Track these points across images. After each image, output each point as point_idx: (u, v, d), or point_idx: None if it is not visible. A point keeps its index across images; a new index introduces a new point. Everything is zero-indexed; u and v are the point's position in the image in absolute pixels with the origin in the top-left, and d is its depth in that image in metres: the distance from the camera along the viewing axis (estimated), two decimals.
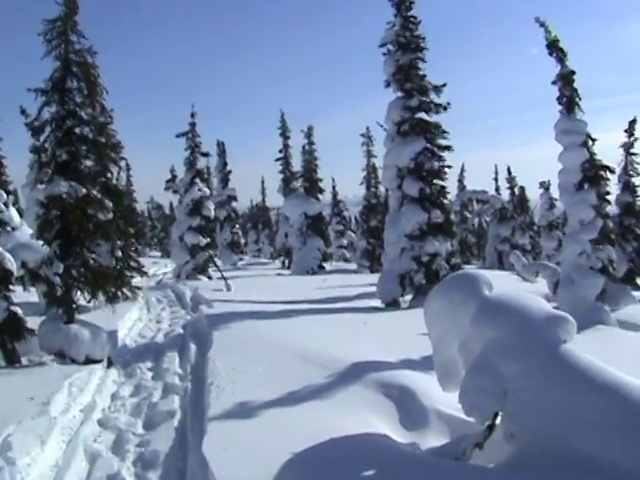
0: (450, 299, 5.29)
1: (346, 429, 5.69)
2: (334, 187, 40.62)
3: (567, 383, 4.83)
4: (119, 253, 13.69)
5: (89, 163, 10.39)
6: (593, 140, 14.13)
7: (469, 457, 4.93)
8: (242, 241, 44.88)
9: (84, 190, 9.58)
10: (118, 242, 12.98)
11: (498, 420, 4.90)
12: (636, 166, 23.76)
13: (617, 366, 5.00)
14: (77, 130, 10.17)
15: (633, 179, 23.81)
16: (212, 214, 26.42)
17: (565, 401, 4.73)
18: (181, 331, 12.39)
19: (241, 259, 42.37)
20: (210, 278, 25.09)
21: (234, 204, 39.52)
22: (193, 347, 10.16)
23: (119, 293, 11.42)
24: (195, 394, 7.81)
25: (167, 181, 27.60)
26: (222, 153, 39.44)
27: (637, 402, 4.58)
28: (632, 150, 23.42)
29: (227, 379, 7.52)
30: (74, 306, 10.02)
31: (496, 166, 40.83)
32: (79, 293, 10.29)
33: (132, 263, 15.79)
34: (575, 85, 14.15)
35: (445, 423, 6.50)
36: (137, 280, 16.44)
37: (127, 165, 49.17)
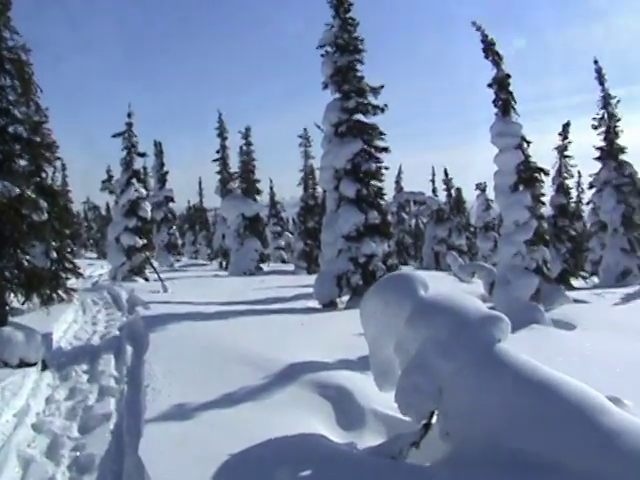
0: (385, 300, 5.31)
1: (283, 429, 5.69)
2: (272, 188, 40.67)
3: (501, 381, 4.87)
4: (54, 254, 13.50)
5: (23, 163, 10.26)
6: (528, 142, 14.32)
7: (405, 456, 4.94)
8: (179, 242, 44.69)
9: (18, 190, 9.44)
10: (53, 243, 12.80)
11: (434, 419, 4.92)
12: (570, 168, 24.16)
13: (550, 364, 5.06)
14: (10, 129, 10.04)
15: (567, 181, 24.22)
16: (149, 215, 26.19)
17: (499, 399, 4.77)
18: (117, 333, 12.27)
19: (178, 260, 42.17)
20: (147, 280, 24.88)
21: (171, 205, 39.25)
22: (129, 349, 10.07)
23: (54, 295, 11.28)
24: (131, 397, 7.75)
25: (103, 181, 27.34)
26: (159, 153, 39.17)
27: (566, 398, 4.65)
28: (566, 153, 23.82)
29: (163, 381, 7.47)
30: (7, 308, 9.88)
31: (433, 168, 41.17)
32: (12, 295, 10.15)
33: (67, 264, 15.57)
34: (510, 88, 14.31)
35: (382, 423, 6.52)
36: (72, 282, 16.23)
37: (63, 165, 48.74)
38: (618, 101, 23.64)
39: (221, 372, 7.91)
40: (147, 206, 26.21)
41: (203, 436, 5.69)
